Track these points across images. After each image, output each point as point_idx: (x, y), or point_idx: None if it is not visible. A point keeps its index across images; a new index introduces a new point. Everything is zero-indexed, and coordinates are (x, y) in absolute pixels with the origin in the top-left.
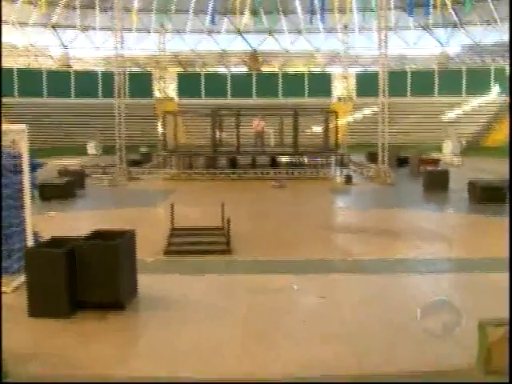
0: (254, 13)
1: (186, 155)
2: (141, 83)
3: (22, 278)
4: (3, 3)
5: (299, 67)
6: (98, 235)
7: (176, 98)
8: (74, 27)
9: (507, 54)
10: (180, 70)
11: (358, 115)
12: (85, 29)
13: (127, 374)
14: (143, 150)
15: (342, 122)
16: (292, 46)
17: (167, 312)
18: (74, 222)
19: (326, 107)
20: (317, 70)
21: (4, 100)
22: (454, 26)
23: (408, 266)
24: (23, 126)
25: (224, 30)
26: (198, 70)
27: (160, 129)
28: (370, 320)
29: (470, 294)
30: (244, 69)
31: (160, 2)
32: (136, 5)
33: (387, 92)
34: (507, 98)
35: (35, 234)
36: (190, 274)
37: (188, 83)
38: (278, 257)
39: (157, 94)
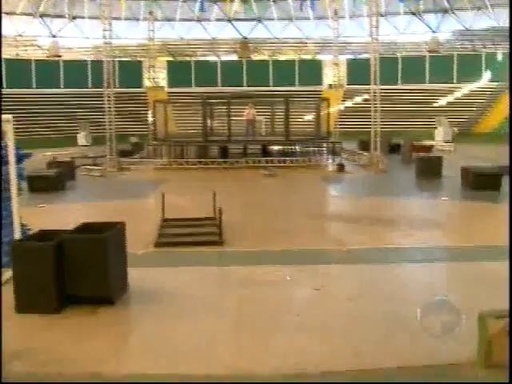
0: (244, 0)
1: (176, 145)
2: (131, 72)
3: (11, 273)
4: None
5: (290, 55)
6: (86, 228)
7: (166, 87)
8: (62, 16)
9: (498, 40)
10: (170, 58)
11: (349, 103)
12: (73, 18)
13: (118, 371)
14: (134, 139)
15: (334, 109)
16: (282, 33)
17: (159, 306)
18: (64, 214)
19: (316, 95)
20: (307, 57)
21: None
22: (445, 11)
23: (403, 254)
24: (9, 116)
25: (214, 18)
26: (187, 58)
27: (150, 118)
28: (366, 311)
29: (465, 284)
30: (234, 57)
31: None
32: None
33: (378, 79)
34: (498, 84)
35: (23, 227)
36: (181, 267)
37: (178, 72)
38: (270, 247)
39: (147, 83)
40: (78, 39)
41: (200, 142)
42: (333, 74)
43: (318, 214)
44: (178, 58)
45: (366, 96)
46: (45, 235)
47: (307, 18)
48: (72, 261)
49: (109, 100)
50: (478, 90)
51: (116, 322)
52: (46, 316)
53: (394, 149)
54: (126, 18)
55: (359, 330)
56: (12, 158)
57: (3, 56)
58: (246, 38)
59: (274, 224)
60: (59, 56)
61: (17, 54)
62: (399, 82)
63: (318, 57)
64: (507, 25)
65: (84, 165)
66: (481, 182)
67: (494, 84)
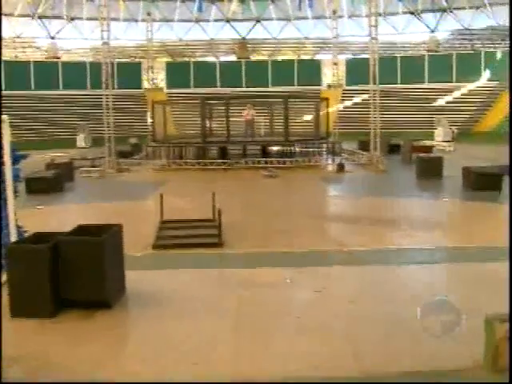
0: (242, 0)
1: (175, 146)
2: (130, 74)
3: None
4: None
5: (288, 55)
6: (83, 230)
7: (165, 88)
8: (60, 17)
9: (497, 39)
10: (169, 59)
11: (348, 103)
12: (72, 19)
13: (113, 377)
14: (133, 141)
15: (333, 109)
16: (281, 33)
17: (157, 309)
18: (62, 215)
19: (315, 95)
20: (306, 57)
21: None
22: (443, 10)
23: (403, 255)
24: (4, 117)
25: (212, 19)
26: (186, 59)
27: (149, 119)
28: (367, 314)
29: (466, 285)
30: (233, 57)
31: None
32: None
33: (378, 79)
34: (497, 83)
35: (19, 229)
36: (180, 269)
37: (177, 73)
38: (270, 249)
39: (146, 84)
40: (77, 40)
41: (199, 143)
42: (332, 74)
43: (318, 215)
44: (176, 59)
45: (365, 96)
46: (40, 237)
47: (306, 18)
48: (68, 264)
49: (107, 101)
50: (477, 90)
51: (113, 325)
52: (41, 320)
53: (393, 149)
54: (125, 19)
55: (360, 332)
56: (8, 159)
57: (2, 58)
58: (244, 39)
59: (274, 225)
60: (58, 57)
61: (15, 56)
62: (398, 81)
63: (317, 57)
64: (506, 24)
65: (83, 166)
66: (482, 183)
67: (494, 83)
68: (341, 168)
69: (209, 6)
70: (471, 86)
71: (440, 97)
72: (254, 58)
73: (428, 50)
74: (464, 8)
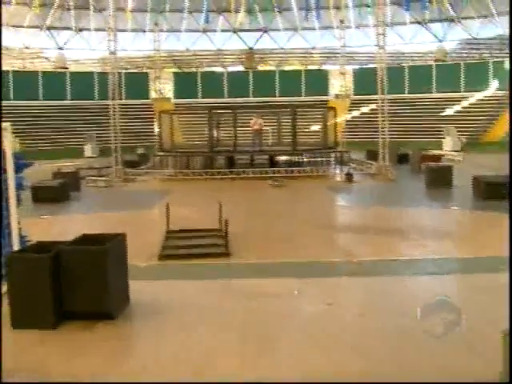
0: (249, 11)
1: (183, 155)
2: (137, 84)
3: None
4: None
5: (296, 65)
6: (86, 239)
7: (173, 98)
8: (68, 28)
9: (505, 48)
10: (176, 69)
11: (356, 113)
12: (80, 30)
13: None
14: (140, 150)
15: (341, 119)
16: (288, 43)
17: (161, 321)
18: (67, 224)
19: (323, 105)
20: (313, 67)
21: None
22: (451, 20)
23: (414, 266)
24: (7, 124)
25: (219, 29)
26: (194, 69)
27: (156, 129)
28: (378, 327)
29: (481, 297)
30: (240, 68)
31: (154, 1)
32: (130, 4)
33: (386, 88)
34: (506, 92)
35: (22, 238)
36: (186, 280)
37: (184, 83)
38: (278, 259)
39: (153, 94)
40: (85, 51)
41: (206, 153)
42: (339, 83)
43: (326, 225)
44: (184, 69)
45: (373, 106)
46: (43, 247)
47: (313, 28)
48: (70, 273)
49: (114, 111)
50: (485, 99)
51: (115, 337)
52: (42, 332)
53: (402, 159)
54: (132, 30)
55: (371, 345)
56: (10, 167)
57: (11, 68)
58: (251, 49)
59: (281, 235)
60: (66, 68)
61: (24, 66)
62: (406, 91)
63: (324, 67)
64: None
65: (89, 176)
66: (492, 192)
67: (502, 92)
68: (349, 178)
69: (216, 17)
70: (479, 96)
71: (448, 106)
72: (262, 68)
73: (436, 60)
74: (472, 17)
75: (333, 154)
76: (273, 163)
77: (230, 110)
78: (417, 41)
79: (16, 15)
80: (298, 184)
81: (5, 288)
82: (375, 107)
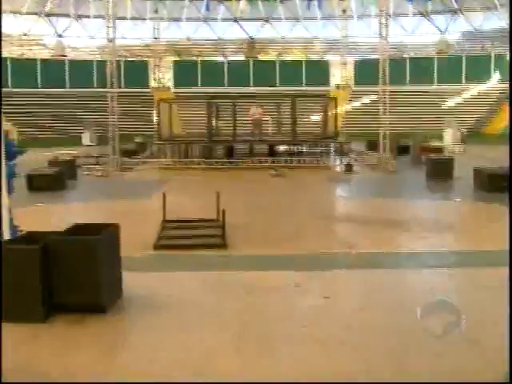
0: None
1: (181, 144)
2: (137, 72)
3: None
4: None
5: (297, 55)
6: (78, 229)
7: (172, 87)
8: (68, 15)
9: (507, 40)
10: (176, 58)
11: (357, 103)
12: (79, 17)
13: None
14: (138, 139)
15: (341, 109)
16: (289, 33)
17: (155, 315)
18: (61, 214)
19: (324, 95)
20: (315, 57)
21: None
22: (454, 12)
23: (415, 259)
24: None
25: (220, 18)
26: (194, 58)
27: (155, 118)
28: (378, 323)
29: (484, 293)
30: (241, 57)
31: None
32: None
33: (387, 79)
34: (507, 85)
35: (14, 228)
36: (181, 271)
37: (184, 72)
38: (277, 251)
39: (153, 83)
40: (84, 39)
41: (205, 142)
42: (340, 74)
43: (326, 216)
44: (184, 58)
45: (374, 97)
46: (34, 237)
47: (314, 18)
48: (60, 265)
49: (112, 100)
50: (487, 91)
51: (106, 331)
52: (31, 325)
53: (402, 150)
54: (132, 18)
55: (371, 344)
56: (1, 154)
57: (9, 55)
58: (252, 38)
59: (280, 226)
60: (64, 55)
61: (22, 54)
62: (407, 82)
63: (326, 57)
64: None
65: (86, 164)
66: (494, 184)
67: (504, 85)
68: (349, 168)
69: (217, 5)
70: (481, 88)
71: (449, 98)
72: (262, 57)
73: (438, 52)
74: (475, 9)
75: (333, 145)
76: (272, 153)
77: (229, 99)
78: (419, 32)
79: (15, 1)
80: (298, 174)
81: None
82: (376, 98)
